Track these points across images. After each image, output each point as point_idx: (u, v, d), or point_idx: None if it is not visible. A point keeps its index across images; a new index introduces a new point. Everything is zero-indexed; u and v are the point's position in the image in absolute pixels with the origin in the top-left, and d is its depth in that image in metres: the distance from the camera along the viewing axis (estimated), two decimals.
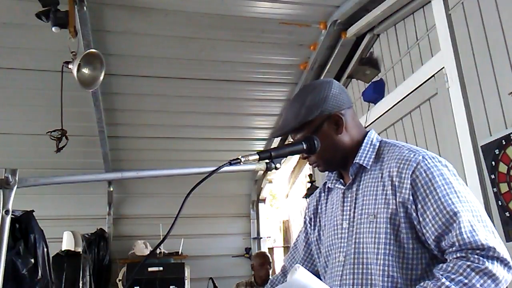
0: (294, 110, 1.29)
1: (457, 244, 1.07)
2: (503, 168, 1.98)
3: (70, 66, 2.64)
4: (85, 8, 2.71)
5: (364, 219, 1.22)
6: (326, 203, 1.41)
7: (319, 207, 1.45)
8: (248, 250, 5.88)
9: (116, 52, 3.38)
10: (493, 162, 2.02)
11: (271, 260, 4.55)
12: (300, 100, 1.30)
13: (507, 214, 1.95)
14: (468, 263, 1.04)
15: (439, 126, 2.51)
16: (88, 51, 2.69)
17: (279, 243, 6.41)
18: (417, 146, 1.29)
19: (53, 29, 2.57)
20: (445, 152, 2.38)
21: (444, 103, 2.43)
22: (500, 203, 2.00)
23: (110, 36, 3.22)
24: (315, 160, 1.32)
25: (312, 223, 1.46)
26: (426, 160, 1.18)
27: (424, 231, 1.13)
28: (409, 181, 1.16)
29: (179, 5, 2.97)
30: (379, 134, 1.39)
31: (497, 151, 2.01)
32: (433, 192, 1.13)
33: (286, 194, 6.12)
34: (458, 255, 1.07)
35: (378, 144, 1.31)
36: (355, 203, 1.27)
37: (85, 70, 2.73)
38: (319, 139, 1.26)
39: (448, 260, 1.09)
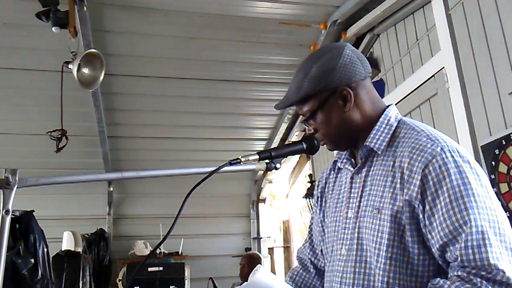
0: (297, 82, 1.15)
1: (459, 259, 0.91)
2: (503, 168, 1.97)
3: (70, 66, 2.64)
4: (85, 8, 2.71)
5: (369, 212, 1.08)
6: (334, 182, 1.28)
7: (327, 185, 1.31)
8: (248, 250, 5.87)
9: (116, 52, 3.38)
10: (493, 162, 2.02)
11: (259, 261, 4.44)
12: (304, 70, 1.14)
13: (507, 214, 1.94)
14: (467, 285, 0.87)
15: (439, 126, 2.51)
16: (88, 51, 2.69)
17: (279, 243, 6.40)
18: None
19: (53, 29, 2.58)
20: None
21: (444, 103, 2.43)
22: (500, 204, 1.99)
23: (110, 36, 3.22)
24: (322, 138, 1.18)
25: (319, 202, 1.33)
26: (445, 153, 0.99)
27: (429, 237, 0.97)
28: (419, 177, 0.98)
29: (179, 5, 2.97)
30: None
31: (497, 151, 2.01)
32: (445, 193, 0.95)
33: (286, 194, 6.11)
34: (459, 273, 0.90)
35: (395, 124, 1.13)
36: (362, 191, 1.12)
37: (85, 70, 2.73)
38: (324, 114, 1.14)
39: (449, 276, 0.94)
